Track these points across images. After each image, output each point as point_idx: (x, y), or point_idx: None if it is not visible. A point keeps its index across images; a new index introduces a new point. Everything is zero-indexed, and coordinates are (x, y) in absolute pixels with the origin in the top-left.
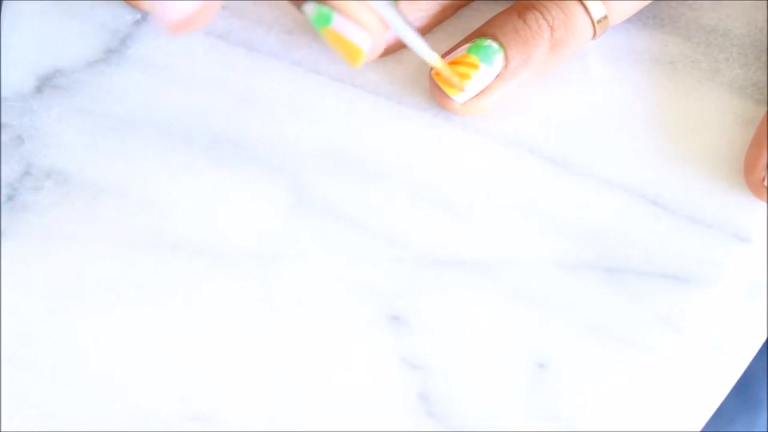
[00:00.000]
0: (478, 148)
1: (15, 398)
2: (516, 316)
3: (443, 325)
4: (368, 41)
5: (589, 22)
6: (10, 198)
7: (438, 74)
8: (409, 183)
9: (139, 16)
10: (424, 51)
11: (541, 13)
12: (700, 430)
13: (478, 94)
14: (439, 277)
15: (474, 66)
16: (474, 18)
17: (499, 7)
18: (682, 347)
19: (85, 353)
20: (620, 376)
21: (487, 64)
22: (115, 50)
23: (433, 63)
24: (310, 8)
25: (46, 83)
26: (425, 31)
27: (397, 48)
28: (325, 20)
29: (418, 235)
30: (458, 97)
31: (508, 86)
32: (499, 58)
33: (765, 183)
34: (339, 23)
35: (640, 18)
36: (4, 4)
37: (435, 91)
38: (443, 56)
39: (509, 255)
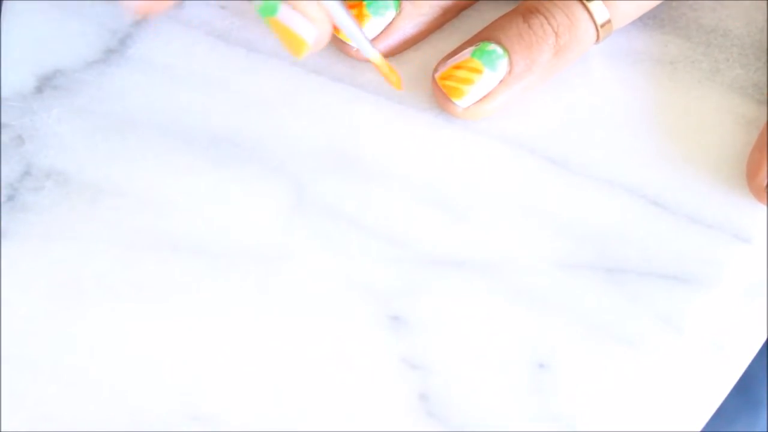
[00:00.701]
0: (479, 148)
1: (15, 398)
2: (516, 316)
3: (443, 325)
4: (313, 33)
5: (593, 27)
6: (10, 198)
7: (442, 77)
8: (409, 183)
9: (139, 15)
10: (365, 46)
11: (546, 19)
12: (700, 430)
13: (480, 99)
14: (439, 277)
15: (478, 71)
16: (473, 18)
17: (500, 8)
18: (682, 347)
19: (85, 353)
20: (620, 376)
21: (491, 69)
22: (115, 50)
23: (373, 59)
24: None
25: (46, 83)
26: (427, 34)
27: (398, 50)
28: (271, 11)
29: (418, 235)
30: (461, 102)
31: (512, 91)
32: (503, 63)
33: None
34: (285, 14)
35: (641, 18)
36: (4, 4)
37: (438, 94)
38: (446, 59)
39: (509, 255)
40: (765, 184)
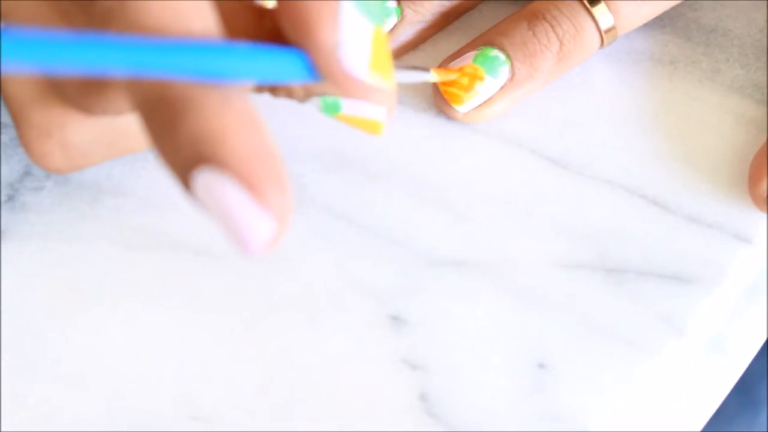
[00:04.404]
0: (479, 148)
1: (15, 398)
2: (516, 316)
3: (443, 325)
4: (383, 111)
5: (598, 34)
6: (10, 198)
7: (443, 83)
8: (409, 183)
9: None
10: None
11: (552, 27)
12: (700, 430)
13: (480, 104)
14: (439, 277)
15: (479, 78)
16: (474, 17)
17: (502, 8)
18: (682, 347)
19: (85, 353)
20: (620, 376)
21: (492, 76)
22: None
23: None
24: (315, 103)
25: None
26: (428, 37)
27: (398, 55)
28: (335, 108)
29: (418, 235)
30: (461, 107)
31: (512, 97)
32: (505, 70)
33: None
34: (349, 106)
35: None
36: None
37: (437, 99)
38: (447, 62)
39: (509, 255)
40: (764, 191)
